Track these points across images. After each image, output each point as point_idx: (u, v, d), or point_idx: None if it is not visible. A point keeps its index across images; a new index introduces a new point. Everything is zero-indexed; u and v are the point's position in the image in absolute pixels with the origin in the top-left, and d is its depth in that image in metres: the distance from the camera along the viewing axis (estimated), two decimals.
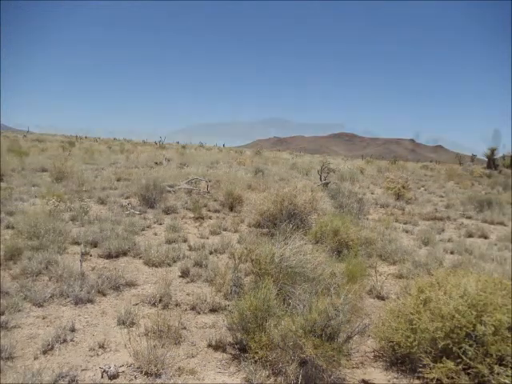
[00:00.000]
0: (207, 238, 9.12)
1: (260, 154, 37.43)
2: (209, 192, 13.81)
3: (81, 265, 6.45)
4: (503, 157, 37.35)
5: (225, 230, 9.90)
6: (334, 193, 12.95)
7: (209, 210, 11.83)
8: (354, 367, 4.61)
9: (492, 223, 13.26)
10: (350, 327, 4.65)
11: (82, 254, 6.75)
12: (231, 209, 11.84)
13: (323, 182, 15.81)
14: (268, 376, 4.25)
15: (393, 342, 4.60)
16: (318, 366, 4.24)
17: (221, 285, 6.17)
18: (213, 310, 5.69)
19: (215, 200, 12.78)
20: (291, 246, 5.83)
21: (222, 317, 5.44)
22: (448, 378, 4.12)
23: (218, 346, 4.80)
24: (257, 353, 4.36)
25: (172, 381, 4.06)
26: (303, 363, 4.32)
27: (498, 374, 3.63)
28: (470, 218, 13.89)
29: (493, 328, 4.04)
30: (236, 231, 9.84)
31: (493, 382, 3.70)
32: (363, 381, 4.43)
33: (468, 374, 4.08)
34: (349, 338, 4.60)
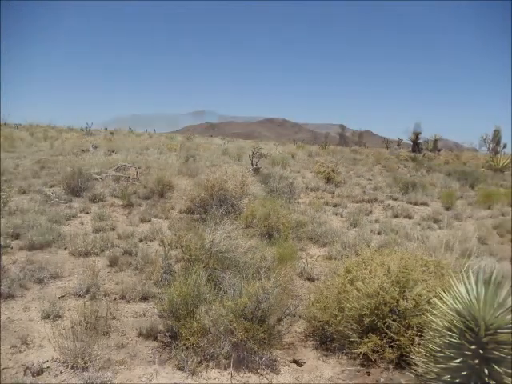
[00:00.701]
0: (137, 226, 8.90)
1: (191, 139, 36.96)
2: (138, 179, 13.48)
3: (0, 258, 6.11)
4: (427, 141, 39.21)
5: (155, 217, 9.71)
6: (265, 177, 13.06)
7: (138, 197, 11.52)
8: (285, 348, 4.69)
9: (416, 204, 13.87)
10: (280, 309, 4.74)
11: (2, 247, 6.39)
12: (161, 195, 11.61)
13: (254, 166, 15.88)
14: (200, 362, 4.24)
15: (322, 321, 4.71)
16: (249, 349, 4.28)
17: (151, 272, 6.06)
18: (143, 299, 5.58)
19: (145, 187, 12.48)
20: (222, 231, 5.81)
21: (152, 305, 5.35)
22: (373, 352, 4.29)
23: (148, 335, 4.72)
24: (188, 339, 4.33)
25: (100, 373, 3.93)
26: (235, 347, 4.34)
27: (418, 344, 3.80)
28: (395, 199, 14.46)
29: (414, 302, 4.24)
30: (167, 218, 9.68)
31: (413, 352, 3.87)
32: (294, 360, 4.52)
33: (392, 346, 4.27)
34: (279, 319, 4.68)
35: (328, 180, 16.24)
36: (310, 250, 7.98)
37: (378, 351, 4.31)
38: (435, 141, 38.13)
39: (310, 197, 13.77)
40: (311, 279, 6.55)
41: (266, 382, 4.11)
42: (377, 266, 4.71)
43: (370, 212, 12.11)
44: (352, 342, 4.45)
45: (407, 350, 4.07)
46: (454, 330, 1.96)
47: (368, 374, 4.30)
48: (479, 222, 11.23)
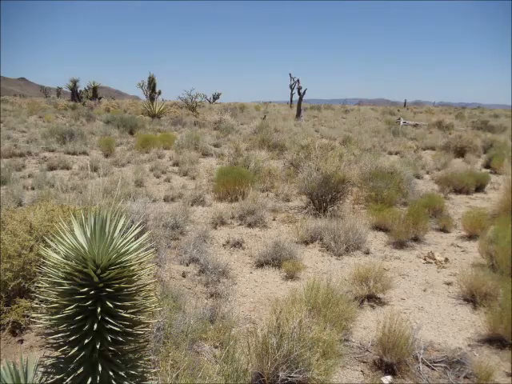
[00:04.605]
0: None
1: None
2: None
3: None
4: (86, 89, 38.65)
5: None
6: None
7: None
8: None
9: (75, 154, 13.56)
10: None
11: None
12: None
13: None
14: None
15: None
16: None
17: None
18: None
19: None
20: None
21: None
22: (24, 317, 3.96)
23: None
24: None
25: None
26: None
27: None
28: (52, 151, 13.77)
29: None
30: None
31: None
32: None
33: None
34: None
35: None
36: None
37: (28, 315, 3.99)
38: (94, 88, 37.87)
39: None
40: None
41: None
42: (17, 224, 4.27)
43: (23, 167, 11.20)
44: None
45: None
46: (68, 276, 1.83)
47: (21, 341, 3.95)
48: (138, 166, 11.68)
